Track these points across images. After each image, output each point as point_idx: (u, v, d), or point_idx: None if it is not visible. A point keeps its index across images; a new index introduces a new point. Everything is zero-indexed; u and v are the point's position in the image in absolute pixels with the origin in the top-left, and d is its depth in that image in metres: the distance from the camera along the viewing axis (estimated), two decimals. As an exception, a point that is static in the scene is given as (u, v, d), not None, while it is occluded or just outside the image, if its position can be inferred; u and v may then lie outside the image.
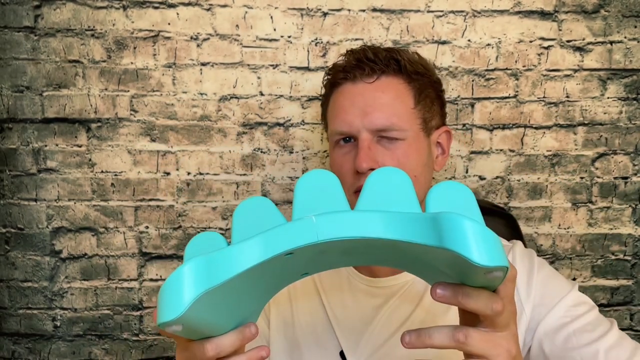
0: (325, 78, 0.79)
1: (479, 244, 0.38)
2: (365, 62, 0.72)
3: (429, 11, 1.11)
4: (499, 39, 1.12)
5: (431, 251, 0.41)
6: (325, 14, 1.10)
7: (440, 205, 0.44)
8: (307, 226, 0.41)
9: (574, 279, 1.16)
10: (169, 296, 0.39)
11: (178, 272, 0.40)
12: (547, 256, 1.16)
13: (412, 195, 0.46)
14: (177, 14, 1.09)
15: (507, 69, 1.13)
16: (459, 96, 1.12)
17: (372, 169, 0.69)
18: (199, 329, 0.42)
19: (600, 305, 1.17)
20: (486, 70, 1.12)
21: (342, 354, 0.70)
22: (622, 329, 1.18)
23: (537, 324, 0.66)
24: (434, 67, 0.81)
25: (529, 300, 0.67)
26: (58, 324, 1.14)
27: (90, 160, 1.11)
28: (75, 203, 1.12)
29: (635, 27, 1.13)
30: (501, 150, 1.14)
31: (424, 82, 0.75)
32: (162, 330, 0.39)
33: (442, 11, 1.11)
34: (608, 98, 1.14)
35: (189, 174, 1.12)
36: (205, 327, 0.43)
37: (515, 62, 1.12)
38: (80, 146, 1.11)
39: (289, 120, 1.12)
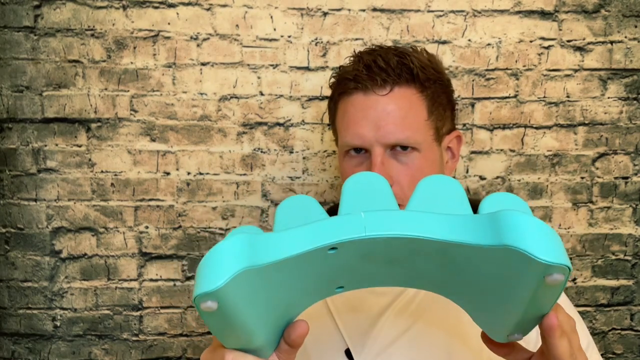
0: (332, 80, 0.77)
1: (540, 239, 0.36)
2: (377, 72, 0.70)
3: (429, 11, 1.11)
4: (499, 38, 1.12)
5: (484, 257, 0.39)
6: (325, 14, 1.10)
7: (494, 208, 0.41)
8: (355, 221, 0.39)
9: (575, 279, 1.16)
10: (209, 268, 0.38)
11: (221, 245, 0.38)
12: (548, 256, 1.16)
13: (463, 198, 0.43)
14: (177, 13, 1.09)
15: (507, 68, 1.12)
16: (459, 96, 1.12)
17: None
18: (231, 318, 0.40)
19: (600, 306, 1.17)
20: (486, 70, 1.12)
21: (347, 352, 0.70)
22: (622, 329, 1.18)
23: None
24: (442, 64, 0.79)
25: None
26: (58, 324, 1.14)
27: (90, 160, 1.11)
28: (75, 203, 1.12)
29: (636, 27, 1.12)
30: (501, 150, 1.14)
31: (436, 88, 0.73)
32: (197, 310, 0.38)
33: (442, 11, 1.11)
34: (608, 98, 1.14)
35: (188, 173, 1.12)
36: (238, 319, 0.41)
37: (516, 62, 1.12)
38: (80, 146, 1.11)
39: (289, 120, 1.12)
